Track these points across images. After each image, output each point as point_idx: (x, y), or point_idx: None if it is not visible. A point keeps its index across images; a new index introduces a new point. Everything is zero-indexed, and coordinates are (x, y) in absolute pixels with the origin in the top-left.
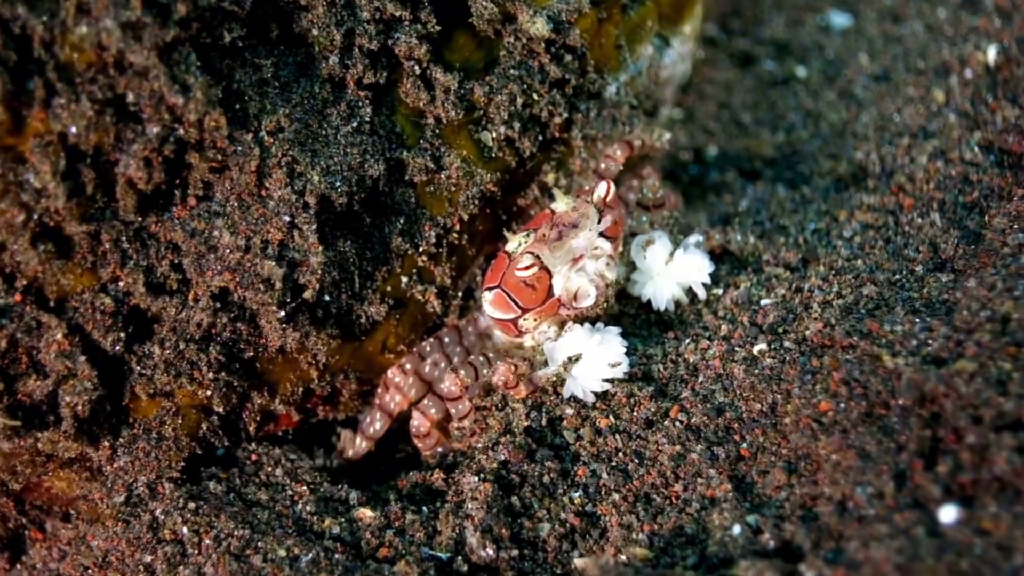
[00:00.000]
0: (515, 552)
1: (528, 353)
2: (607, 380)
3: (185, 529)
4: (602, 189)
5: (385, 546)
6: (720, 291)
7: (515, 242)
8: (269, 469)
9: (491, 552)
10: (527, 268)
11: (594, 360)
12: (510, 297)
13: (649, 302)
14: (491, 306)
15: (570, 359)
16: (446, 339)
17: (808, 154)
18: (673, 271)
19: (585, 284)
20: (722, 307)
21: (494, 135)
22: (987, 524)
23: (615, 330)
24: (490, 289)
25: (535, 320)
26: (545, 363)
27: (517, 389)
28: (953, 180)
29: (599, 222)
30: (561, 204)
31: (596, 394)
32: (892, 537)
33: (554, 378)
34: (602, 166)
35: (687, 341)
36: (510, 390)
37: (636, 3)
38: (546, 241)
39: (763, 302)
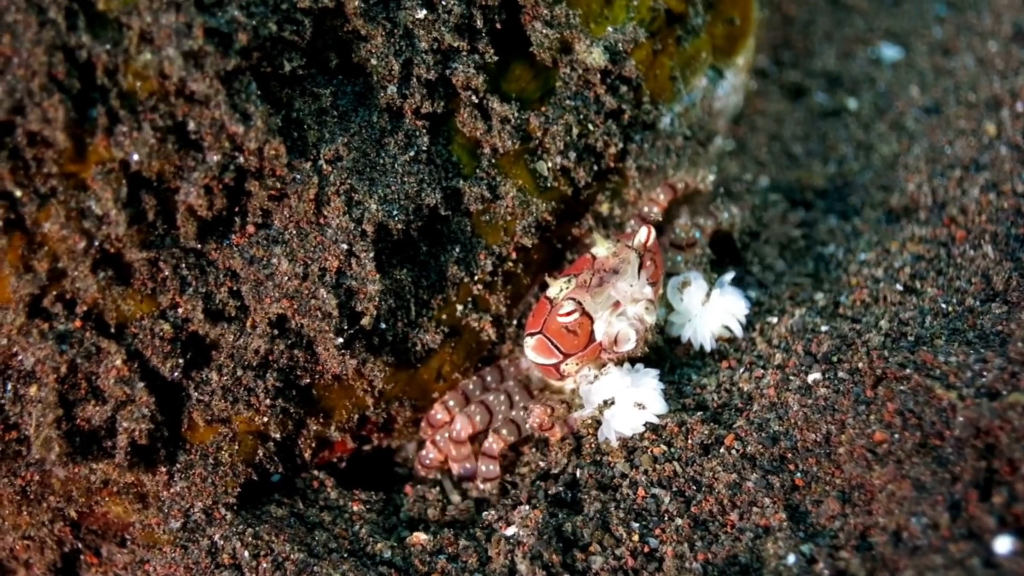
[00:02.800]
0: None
1: (567, 396)
2: (639, 424)
3: (246, 553)
4: (643, 234)
5: (437, 572)
6: (775, 319)
7: (556, 288)
8: (326, 492)
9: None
10: (569, 314)
11: (627, 403)
12: (552, 343)
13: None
14: (533, 352)
15: (605, 402)
16: (488, 378)
17: (859, 186)
18: (710, 312)
19: (626, 328)
20: (777, 335)
21: (550, 165)
22: None
23: (652, 372)
24: (532, 335)
25: (577, 365)
26: (582, 406)
27: (553, 431)
28: (1005, 212)
29: (640, 268)
30: (602, 249)
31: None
32: (947, 568)
33: (590, 420)
34: (644, 209)
35: (741, 370)
36: (546, 432)
37: (690, 35)
38: (587, 287)
39: (820, 329)
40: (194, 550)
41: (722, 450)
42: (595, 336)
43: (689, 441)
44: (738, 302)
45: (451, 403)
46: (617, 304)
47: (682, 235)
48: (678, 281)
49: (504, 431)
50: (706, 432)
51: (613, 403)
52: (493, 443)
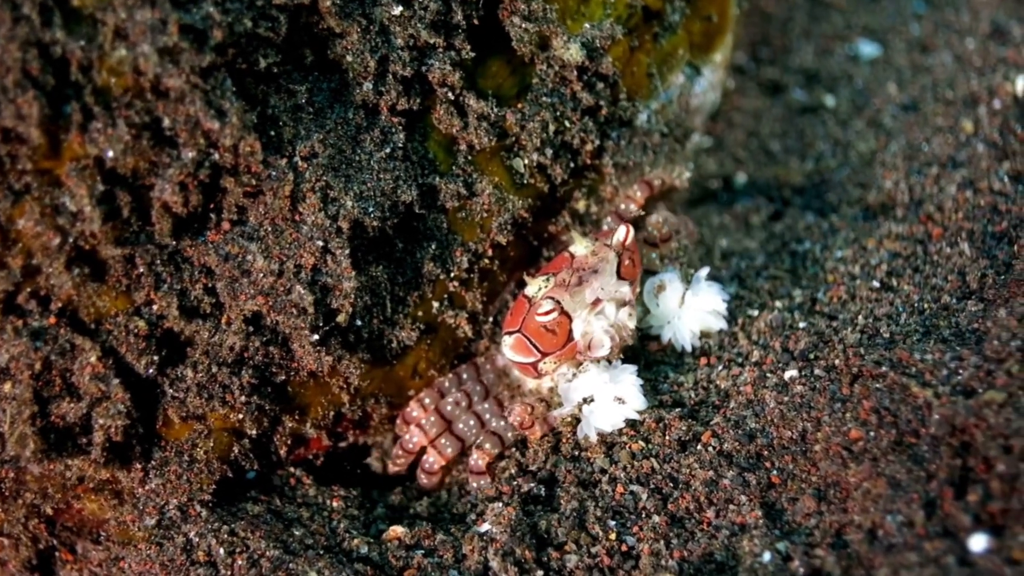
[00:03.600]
0: (540, 574)
1: (545, 394)
2: (619, 420)
3: (221, 550)
4: (621, 233)
5: (413, 568)
6: (756, 312)
7: (535, 286)
8: (303, 489)
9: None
10: (548, 313)
11: (605, 400)
12: (530, 342)
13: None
14: (511, 350)
15: (584, 399)
16: (464, 375)
17: (837, 183)
18: (688, 314)
19: (599, 334)
20: (756, 331)
21: (526, 162)
22: (1017, 553)
23: (630, 368)
24: (510, 333)
25: (555, 363)
26: (560, 404)
27: (532, 430)
28: (982, 210)
29: (619, 266)
30: (580, 247)
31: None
32: (922, 566)
33: (569, 418)
34: (622, 207)
35: (720, 368)
36: (526, 430)
37: (668, 32)
38: (566, 286)
39: (798, 326)
40: (169, 547)
41: (699, 447)
42: (573, 335)
43: (667, 437)
44: (715, 298)
45: (427, 400)
46: (596, 303)
47: (655, 232)
48: (653, 284)
49: (487, 445)
50: (684, 428)
51: (592, 400)
52: (478, 459)
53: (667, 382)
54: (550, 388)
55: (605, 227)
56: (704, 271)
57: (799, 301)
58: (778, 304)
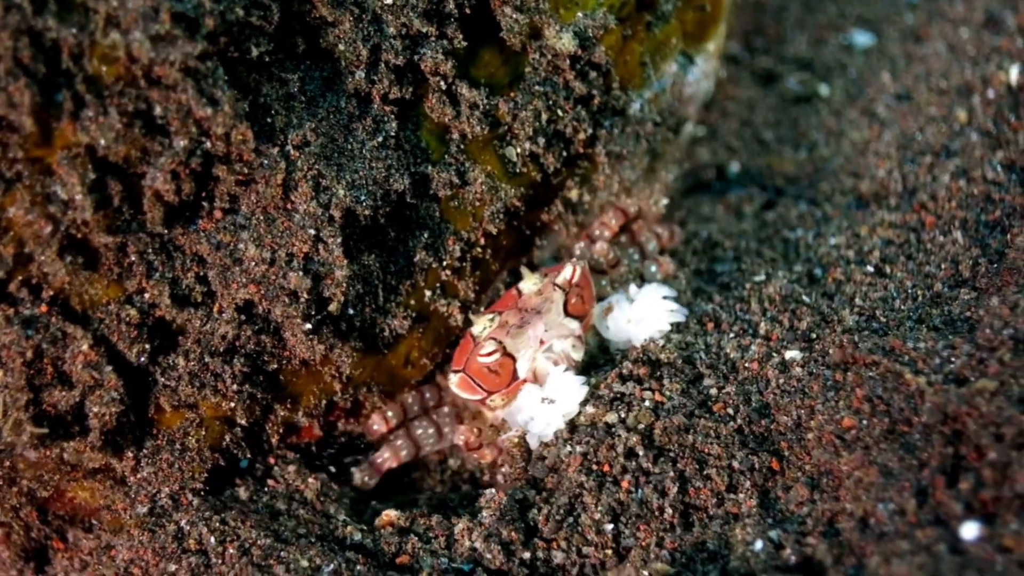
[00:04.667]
0: (527, 555)
1: (498, 421)
2: (556, 420)
3: (212, 538)
4: (567, 272)
5: (406, 554)
6: (762, 277)
7: (480, 325)
8: (295, 476)
9: (500, 557)
10: (490, 355)
11: (538, 408)
12: (474, 381)
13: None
14: (457, 388)
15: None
16: (427, 395)
17: (830, 172)
18: (639, 328)
19: (543, 364)
20: (767, 297)
21: (519, 150)
22: (1009, 541)
23: (574, 379)
24: (455, 372)
25: (503, 400)
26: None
27: (481, 452)
28: (975, 199)
29: (565, 304)
30: (528, 284)
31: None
32: (914, 553)
33: (516, 439)
34: (595, 232)
35: (731, 336)
36: (472, 451)
37: (661, 21)
38: (507, 328)
39: (803, 299)
40: (161, 535)
41: (694, 431)
42: (518, 374)
43: (664, 423)
44: (657, 298)
45: (389, 414)
46: (543, 341)
47: (602, 260)
48: (601, 308)
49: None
50: (682, 413)
51: (532, 418)
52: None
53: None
54: (503, 419)
55: (576, 250)
56: (651, 286)
57: (799, 276)
58: (781, 274)
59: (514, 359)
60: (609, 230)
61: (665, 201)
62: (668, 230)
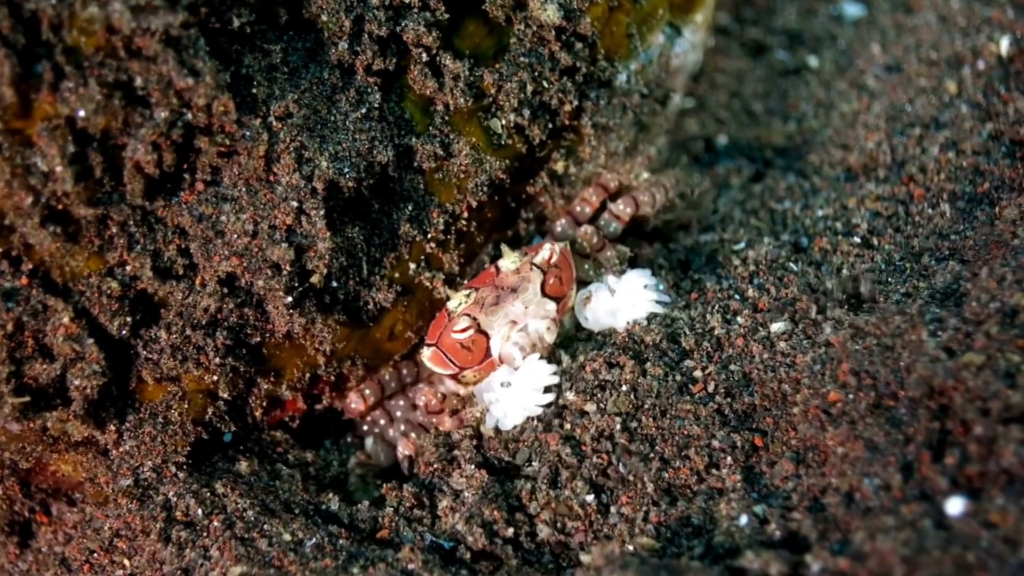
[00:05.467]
0: (510, 533)
1: (465, 394)
2: (520, 409)
3: (199, 510)
4: (545, 253)
5: (386, 529)
6: (742, 245)
7: (456, 301)
8: (280, 450)
9: (483, 539)
10: (463, 331)
11: (516, 395)
12: (447, 356)
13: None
14: (429, 362)
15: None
16: (404, 371)
17: (819, 144)
18: (620, 316)
19: (509, 349)
20: (752, 261)
21: (504, 122)
22: (994, 517)
23: (544, 368)
24: (429, 346)
25: (475, 375)
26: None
27: (441, 418)
28: (964, 171)
29: (543, 285)
30: (507, 263)
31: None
32: (899, 529)
33: (479, 414)
34: (576, 209)
35: (716, 308)
36: (432, 415)
37: None
38: (483, 305)
39: (790, 267)
40: (151, 504)
41: (679, 404)
42: (491, 352)
43: (650, 399)
44: (637, 290)
45: (367, 392)
46: (515, 322)
47: (585, 244)
48: (581, 297)
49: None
50: (666, 385)
51: (496, 400)
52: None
53: (658, 318)
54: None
55: (557, 228)
56: (630, 273)
57: (785, 244)
58: (774, 240)
59: (488, 336)
60: (591, 206)
61: (646, 175)
62: (631, 202)
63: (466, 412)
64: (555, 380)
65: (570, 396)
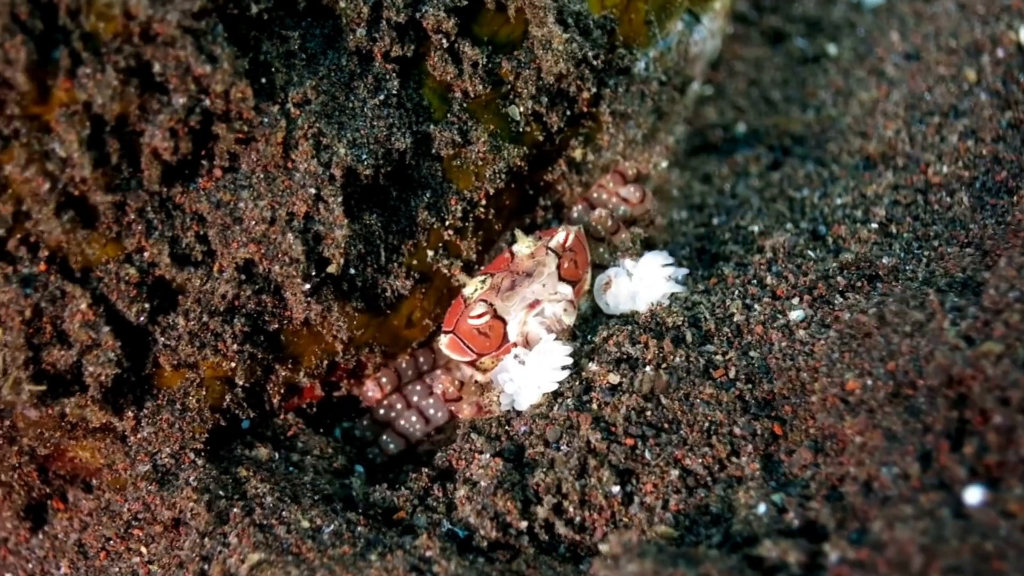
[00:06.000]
0: (523, 525)
1: (484, 381)
2: (536, 388)
3: (219, 493)
4: (560, 237)
5: (403, 510)
6: (760, 232)
7: (472, 287)
8: (300, 437)
9: (493, 532)
10: (479, 316)
11: (530, 377)
12: (464, 343)
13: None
14: (447, 349)
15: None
16: (421, 359)
17: (838, 132)
18: (640, 302)
19: (536, 328)
20: (770, 248)
21: (522, 109)
22: (1013, 506)
23: (560, 348)
24: (446, 333)
25: (493, 361)
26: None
27: (459, 406)
28: (983, 160)
29: (558, 268)
30: (521, 247)
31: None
32: (917, 518)
33: (496, 398)
34: (594, 195)
35: (735, 294)
36: (450, 403)
37: None
38: (499, 290)
39: (807, 255)
40: (169, 491)
41: (699, 393)
42: (508, 337)
43: (668, 386)
44: (659, 272)
45: (383, 380)
46: (534, 304)
47: (600, 228)
48: (601, 282)
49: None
50: (689, 367)
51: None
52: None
53: (680, 301)
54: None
55: (574, 214)
56: (648, 256)
57: (803, 232)
58: (792, 227)
59: (504, 322)
60: (608, 193)
61: (664, 164)
62: (639, 191)
63: (484, 399)
64: (569, 361)
65: (592, 367)
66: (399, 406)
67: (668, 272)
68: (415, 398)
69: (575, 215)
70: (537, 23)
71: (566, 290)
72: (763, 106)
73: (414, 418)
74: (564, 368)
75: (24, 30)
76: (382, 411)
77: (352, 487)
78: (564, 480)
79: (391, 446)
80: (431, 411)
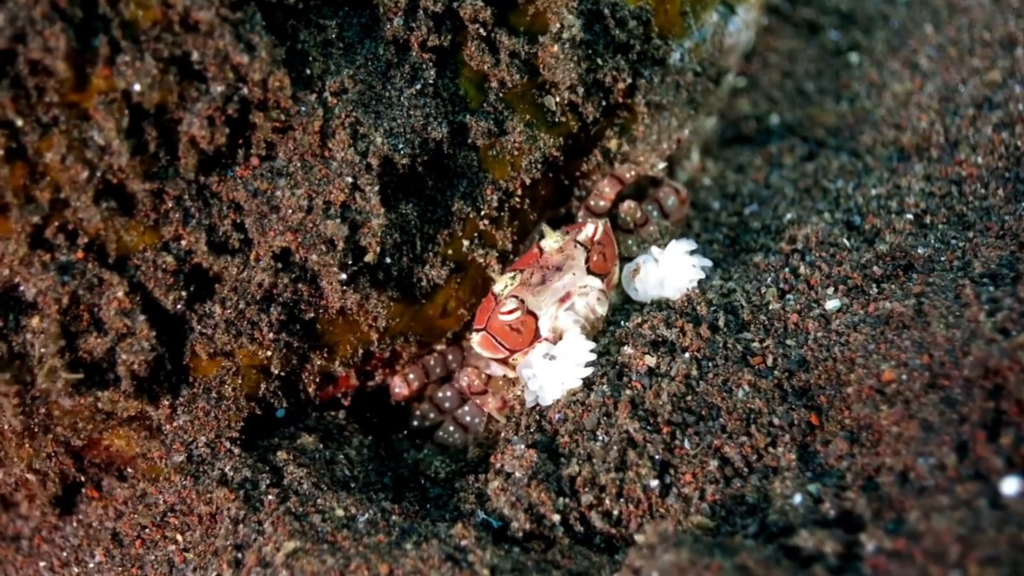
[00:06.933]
0: (557, 518)
1: (516, 375)
2: (558, 383)
3: (262, 484)
4: (589, 230)
5: (440, 506)
6: (791, 216)
7: (501, 284)
8: (337, 425)
9: (527, 524)
10: (511, 312)
11: (554, 373)
12: (496, 340)
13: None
14: (479, 347)
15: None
16: (449, 357)
17: (871, 124)
18: (668, 289)
19: (567, 323)
20: (804, 237)
21: (557, 100)
22: None
23: (584, 344)
24: (477, 331)
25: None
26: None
27: (484, 399)
28: (1019, 151)
29: (587, 262)
30: (549, 242)
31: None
32: (954, 509)
33: (520, 393)
34: (591, 203)
35: (768, 282)
36: (475, 396)
37: None
38: (529, 286)
39: (842, 243)
40: (205, 479)
41: (738, 380)
42: (540, 333)
43: (706, 372)
44: (685, 257)
45: (411, 376)
46: (565, 298)
47: (628, 219)
48: (629, 271)
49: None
50: (727, 354)
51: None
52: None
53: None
54: None
55: (578, 219)
56: (674, 243)
57: (839, 220)
58: (826, 216)
59: (536, 317)
60: (605, 200)
61: (663, 165)
62: (683, 188)
63: (509, 393)
64: (593, 357)
65: (628, 350)
66: (432, 415)
67: (694, 260)
68: (447, 404)
69: (580, 219)
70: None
71: (596, 283)
72: (797, 98)
73: (452, 427)
74: (589, 365)
75: (64, 18)
76: (415, 420)
77: (384, 476)
78: (601, 474)
79: (457, 437)
80: (467, 419)
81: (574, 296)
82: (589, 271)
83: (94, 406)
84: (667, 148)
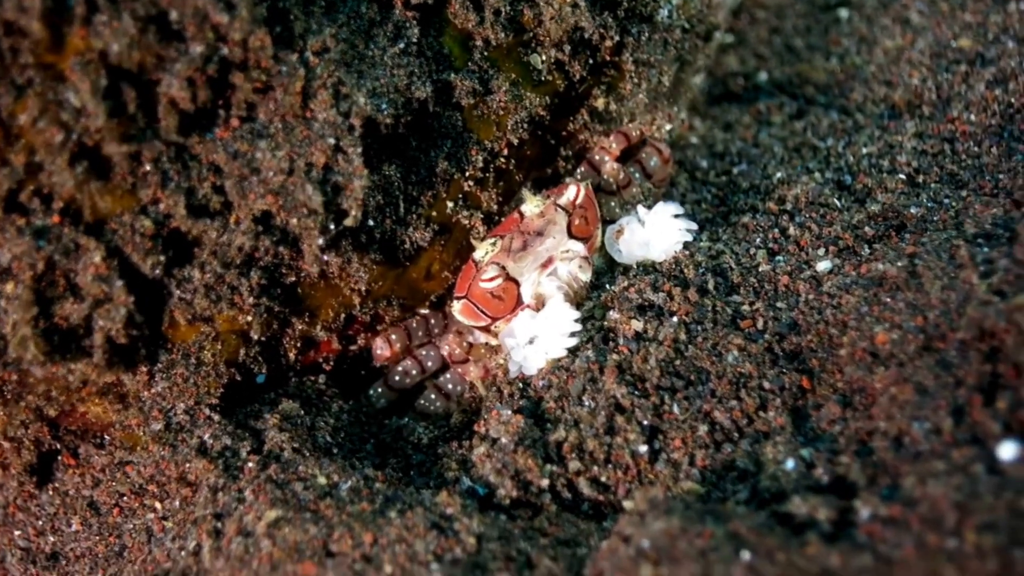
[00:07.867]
0: (545, 484)
1: (495, 342)
2: (540, 355)
3: (242, 451)
4: (571, 193)
5: (424, 472)
6: (780, 175)
7: (482, 250)
8: (318, 391)
9: (514, 491)
10: (491, 279)
11: (540, 342)
12: (477, 307)
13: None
14: (460, 315)
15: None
16: (432, 322)
17: (862, 80)
18: (653, 249)
19: (549, 289)
20: (793, 197)
21: (544, 58)
22: None
23: (568, 312)
24: (458, 299)
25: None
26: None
27: (465, 368)
28: (1012, 108)
29: (569, 226)
30: (530, 207)
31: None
32: (949, 474)
33: (502, 362)
34: (595, 157)
35: (757, 243)
36: (456, 365)
37: None
38: (510, 252)
39: (833, 203)
40: (183, 448)
41: (727, 344)
42: (523, 299)
43: (695, 336)
44: (671, 220)
45: (393, 337)
46: (547, 263)
47: (611, 180)
48: (612, 231)
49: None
50: (715, 316)
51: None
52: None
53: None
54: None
55: (577, 175)
56: (660, 205)
57: (829, 179)
58: (817, 176)
59: (518, 283)
60: (610, 155)
61: (669, 126)
62: (666, 148)
63: (491, 361)
64: (578, 326)
65: (614, 315)
66: (413, 372)
67: (680, 223)
68: (429, 363)
69: (578, 176)
70: None
71: (578, 247)
72: (786, 54)
73: (433, 395)
74: (573, 334)
75: None
76: (395, 376)
77: (367, 443)
78: (589, 439)
79: (438, 405)
80: (449, 387)
81: (556, 261)
82: (571, 235)
83: (67, 375)
84: (678, 111)
